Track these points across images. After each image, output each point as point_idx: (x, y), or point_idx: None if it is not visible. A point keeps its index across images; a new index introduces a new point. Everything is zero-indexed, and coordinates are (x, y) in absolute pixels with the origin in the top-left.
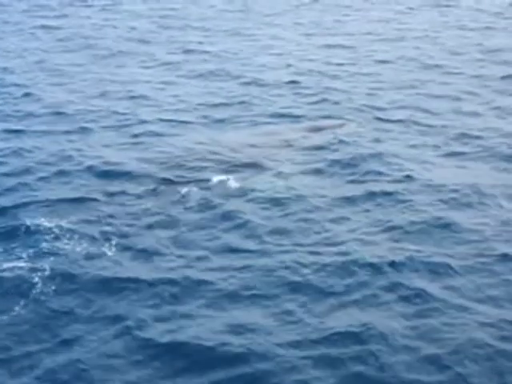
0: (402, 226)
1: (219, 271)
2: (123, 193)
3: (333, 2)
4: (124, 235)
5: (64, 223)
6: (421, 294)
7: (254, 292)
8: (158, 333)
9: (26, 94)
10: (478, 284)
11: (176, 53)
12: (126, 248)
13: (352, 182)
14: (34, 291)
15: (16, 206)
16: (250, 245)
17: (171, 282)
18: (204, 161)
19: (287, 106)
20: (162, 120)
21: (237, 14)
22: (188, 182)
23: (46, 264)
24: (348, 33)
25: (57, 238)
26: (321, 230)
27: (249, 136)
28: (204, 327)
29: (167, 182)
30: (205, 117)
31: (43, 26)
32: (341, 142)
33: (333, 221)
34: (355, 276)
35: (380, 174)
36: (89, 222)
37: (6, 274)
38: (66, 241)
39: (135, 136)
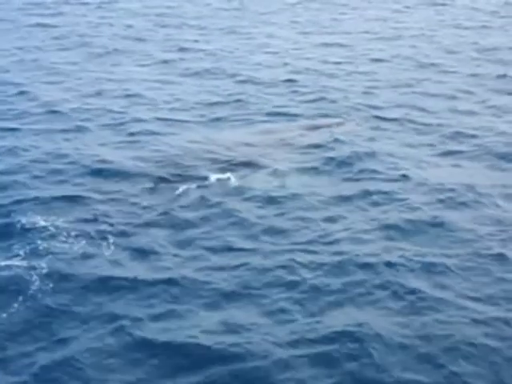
0: (397, 224)
1: (216, 270)
2: (119, 191)
3: (329, 1)
4: (120, 234)
5: (60, 222)
6: (416, 293)
7: (250, 291)
8: (154, 332)
9: (21, 93)
10: (473, 283)
11: (172, 51)
12: (123, 247)
13: (348, 180)
14: (30, 290)
15: (11, 205)
16: (247, 243)
17: (168, 280)
18: (200, 159)
19: (283, 105)
20: (158, 118)
21: (233, 13)
22: (184, 181)
23: (42, 262)
24: (344, 31)
25: (53, 236)
26: (317, 228)
27: (245, 134)
28: (200, 326)
29: (163, 180)
30: (201, 115)
31: (38, 24)
32: (337, 140)
33: (329, 219)
34: (351, 275)
35: (376, 172)
36: (85, 220)
37: (1, 273)
38: (62, 239)
39: (131, 134)
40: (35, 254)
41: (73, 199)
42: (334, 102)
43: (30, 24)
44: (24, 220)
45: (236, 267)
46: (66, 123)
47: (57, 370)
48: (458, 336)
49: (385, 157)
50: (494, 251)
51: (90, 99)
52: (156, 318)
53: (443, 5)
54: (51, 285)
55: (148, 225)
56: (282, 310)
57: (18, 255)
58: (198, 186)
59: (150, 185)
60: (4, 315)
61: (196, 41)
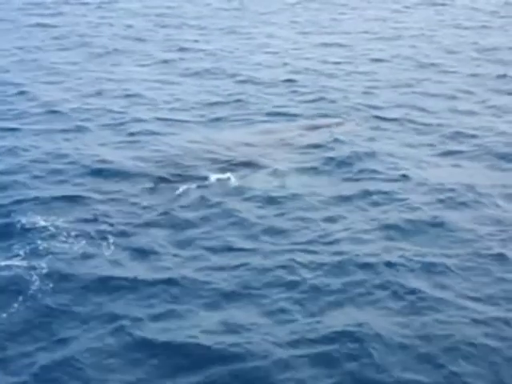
0: (397, 224)
1: (216, 270)
2: (119, 191)
3: (329, 1)
4: (120, 234)
5: (60, 222)
6: (416, 293)
7: (250, 291)
8: (154, 332)
9: (22, 92)
10: (473, 283)
11: (172, 51)
12: (123, 247)
13: (348, 180)
14: (30, 290)
15: (11, 205)
16: (247, 243)
17: (168, 280)
18: (200, 159)
19: (283, 105)
20: (158, 118)
21: (233, 13)
22: (184, 181)
23: (42, 262)
24: (344, 31)
25: (53, 236)
26: (317, 228)
27: (245, 134)
28: (200, 326)
29: (163, 180)
30: (201, 115)
31: (38, 24)
32: (337, 140)
33: (329, 219)
34: (351, 275)
35: (376, 172)
36: (85, 220)
37: (1, 273)
38: (62, 239)
39: (131, 134)
40: (35, 254)
41: (73, 199)
42: (333, 102)
43: (29, 24)
44: (24, 220)
45: (236, 267)
46: (66, 123)
47: (57, 369)
48: (457, 336)
49: (385, 157)
50: (494, 251)
51: (90, 99)
52: (156, 317)
53: (443, 5)
54: (51, 285)
55: (148, 225)
56: (282, 310)
57: (17, 255)
58: (198, 186)
59: (149, 185)
60: (4, 315)
61: (196, 41)
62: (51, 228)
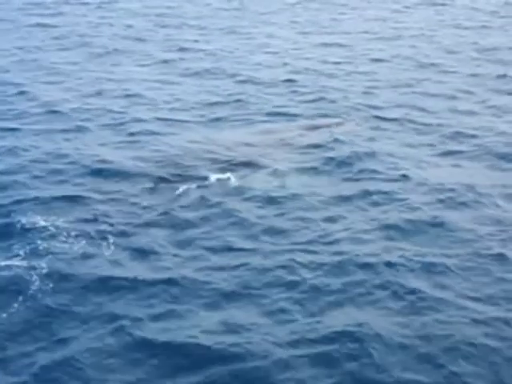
0: (397, 224)
1: (216, 270)
2: (119, 191)
3: (329, 1)
4: (120, 234)
5: (60, 222)
6: (416, 293)
7: (250, 291)
8: (154, 332)
9: (22, 92)
10: (473, 283)
11: (172, 51)
12: (123, 247)
13: (348, 180)
14: (30, 290)
15: (11, 205)
16: (247, 243)
17: (168, 280)
18: (200, 159)
19: (283, 105)
20: (158, 118)
21: (233, 13)
22: (184, 181)
23: (42, 262)
24: (344, 31)
25: (53, 236)
26: (317, 228)
27: (245, 134)
28: (200, 326)
29: (163, 180)
30: (201, 115)
31: (38, 24)
32: (337, 140)
33: (329, 219)
34: (351, 275)
35: (376, 172)
36: (85, 220)
37: (1, 273)
38: (62, 239)
39: (131, 134)
40: (35, 253)
41: (73, 199)
42: (333, 101)
43: (29, 24)
44: (24, 220)
45: (236, 267)
46: (66, 123)
47: (57, 369)
48: (457, 336)
49: (385, 157)
50: (494, 251)
51: (90, 99)
52: (156, 317)
53: (443, 5)
54: (51, 285)
55: (148, 225)
56: (282, 310)
57: (18, 255)
58: (198, 186)
59: (150, 185)
60: (4, 315)
61: (196, 41)
62: (51, 228)
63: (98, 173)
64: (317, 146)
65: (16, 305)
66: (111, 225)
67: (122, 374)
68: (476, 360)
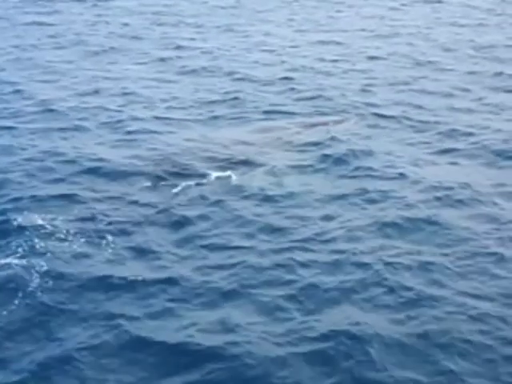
0: (394, 222)
1: (213, 268)
2: (117, 190)
3: None
4: (118, 232)
5: (57, 220)
6: (413, 291)
7: (248, 289)
8: (151, 330)
9: (18, 91)
10: (470, 281)
11: (168, 49)
12: (121, 245)
13: (345, 178)
14: (27, 288)
15: (8, 203)
16: (244, 241)
17: (166, 279)
18: (198, 158)
19: (280, 103)
20: (155, 117)
21: (229, 11)
22: (182, 180)
23: (40, 261)
24: (341, 29)
25: (50, 235)
26: (314, 226)
27: (242, 133)
28: (198, 325)
29: (161, 179)
30: (198, 113)
31: (34, 22)
32: (334, 138)
33: (326, 218)
34: (348, 273)
35: (373, 170)
36: (82, 219)
37: None
38: (59, 238)
39: (128, 133)
40: (32, 252)
41: (70, 198)
42: (330, 99)
43: (26, 22)
44: (21, 218)
45: (234, 265)
46: (63, 122)
47: (54, 368)
48: (454, 333)
49: (382, 155)
50: (491, 249)
51: (86, 98)
52: (153, 316)
53: (439, 2)
54: (49, 283)
55: (146, 223)
56: (280, 309)
57: (15, 254)
58: (196, 185)
59: (147, 183)
60: (1, 314)
61: (193, 39)
62: (48, 226)
63: (95, 171)
64: (314, 144)
65: (13, 303)
66: (109, 223)
67: (120, 372)
68: (473, 357)
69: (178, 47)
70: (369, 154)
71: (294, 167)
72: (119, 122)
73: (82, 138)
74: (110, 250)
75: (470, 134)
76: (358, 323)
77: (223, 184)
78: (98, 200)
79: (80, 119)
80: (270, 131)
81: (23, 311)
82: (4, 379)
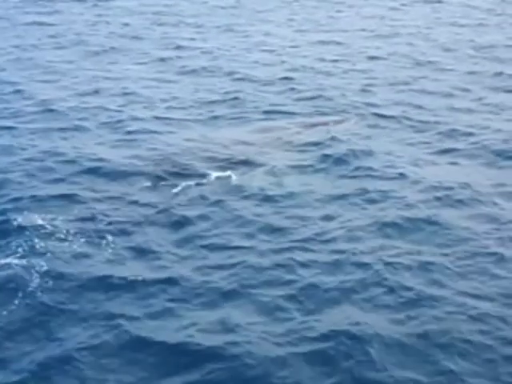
0: (394, 222)
1: (213, 268)
2: (117, 190)
3: None
4: (118, 232)
5: (57, 220)
6: (413, 291)
7: (248, 289)
8: (151, 330)
9: (18, 91)
10: (470, 281)
11: (169, 49)
12: (121, 245)
13: (345, 178)
14: (27, 288)
15: (8, 203)
16: (244, 242)
17: (166, 279)
18: (198, 158)
19: (281, 103)
20: (155, 117)
21: (229, 11)
22: (182, 180)
23: (40, 261)
24: (341, 29)
25: (50, 235)
26: (314, 226)
27: (243, 133)
28: (198, 325)
29: (161, 179)
30: (198, 113)
31: (35, 22)
32: (334, 138)
33: (326, 218)
34: (349, 273)
35: (373, 170)
36: (83, 219)
37: None
38: (59, 238)
39: (128, 133)
40: (33, 252)
41: (70, 198)
42: (330, 99)
43: (26, 22)
44: (21, 218)
45: (234, 265)
46: (63, 122)
47: (54, 368)
48: (454, 333)
49: (382, 155)
50: (491, 249)
51: (86, 97)
52: (153, 316)
53: (439, 2)
54: (49, 283)
55: (146, 223)
56: (280, 309)
57: (15, 254)
58: (196, 185)
59: (147, 183)
60: (1, 314)
61: (193, 39)
62: (48, 226)
63: (95, 171)
64: (314, 144)
65: (13, 303)
66: (109, 223)
67: (120, 372)
68: (473, 357)
69: (178, 47)
70: (369, 154)
71: (294, 167)
72: (119, 121)
73: (82, 138)
74: (110, 250)
75: (470, 134)
76: (358, 323)
77: (223, 184)
78: (98, 200)
79: (80, 119)
80: (270, 131)
81: (23, 311)
82: (4, 379)
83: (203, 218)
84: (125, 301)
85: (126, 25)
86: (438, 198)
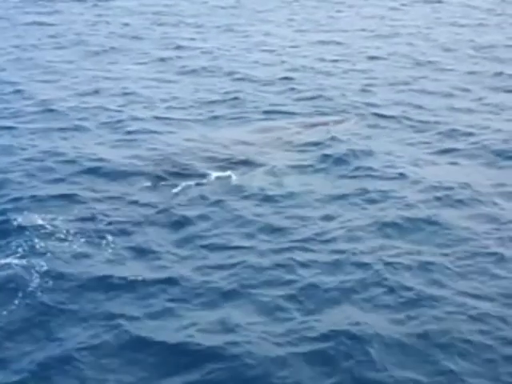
0: (394, 222)
1: (213, 268)
2: (117, 190)
3: None
4: (118, 232)
5: (57, 220)
6: (413, 291)
7: (248, 289)
8: (151, 330)
9: (18, 91)
10: (470, 281)
11: (169, 49)
12: (121, 245)
13: (345, 178)
14: (27, 288)
15: (8, 203)
16: (244, 242)
17: (165, 279)
18: (198, 158)
19: (281, 103)
20: (155, 117)
21: (229, 10)
22: (182, 180)
23: (40, 261)
24: (341, 29)
25: (50, 235)
26: (314, 226)
27: (243, 133)
28: (198, 325)
29: (161, 179)
30: (198, 113)
31: (35, 22)
32: (334, 138)
33: (326, 218)
34: (349, 273)
35: (373, 170)
36: (83, 219)
37: None
38: (59, 238)
39: (128, 133)
40: (33, 252)
41: (70, 198)
42: (331, 99)
43: (26, 22)
44: (21, 218)
45: (234, 265)
46: (63, 122)
47: (54, 368)
48: (455, 334)
49: (382, 155)
50: (491, 249)
51: (86, 97)
52: (154, 316)
53: (439, 2)
54: (49, 283)
55: (146, 223)
56: (280, 309)
57: (15, 254)
58: (196, 185)
59: (147, 183)
60: (2, 313)
61: (193, 39)
62: (48, 226)
63: (95, 171)
64: (314, 144)
65: (13, 303)
66: (109, 223)
67: (120, 372)
68: (473, 357)
69: (178, 47)
70: (369, 154)
71: (294, 167)
72: (119, 122)
73: (82, 138)
74: (109, 250)
75: (470, 134)
76: (358, 323)
77: (223, 184)
78: (98, 200)
79: (80, 119)
80: (270, 131)
81: (23, 311)
82: (4, 379)
83: (203, 217)
84: (125, 301)
85: (126, 25)
86: (438, 198)
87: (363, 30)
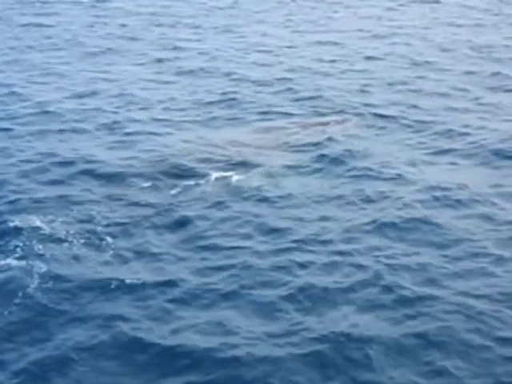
0: (392, 223)
1: (212, 270)
2: (115, 192)
3: None
4: (116, 234)
5: (55, 222)
6: (411, 292)
7: (246, 291)
8: (150, 332)
9: (15, 93)
10: (468, 281)
11: (166, 50)
12: (119, 247)
13: (343, 179)
14: (25, 290)
15: (5, 205)
16: (243, 243)
17: (164, 281)
18: (196, 159)
19: (278, 104)
20: (152, 118)
21: (227, 11)
22: (180, 181)
23: (38, 263)
24: (338, 29)
25: (48, 236)
26: (312, 227)
27: (240, 133)
28: (197, 327)
29: (159, 180)
30: (196, 114)
31: (32, 24)
32: (332, 138)
33: (324, 218)
34: (347, 274)
35: (370, 171)
36: (80, 220)
37: None
38: (57, 240)
39: (126, 134)
40: (31, 254)
41: (68, 199)
42: (328, 100)
43: (23, 23)
44: (19, 220)
45: (233, 266)
46: (60, 123)
47: (53, 369)
48: (454, 334)
49: (379, 155)
50: (489, 249)
51: (84, 99)
52: (152, 318)
53: (437, 2)
54: (47, 285)
55: (144, 225)
56: (279, 310)
57: (13, 255)
58: (195, 186)
59: (145, 185)
60: (0, 315)
61: (190, 40)
62: (47, 228)
63: (93, 173)
64: (312, 145)
65: (12, 305)
66: (107, 225)
67: (118, 374)
68: (472, 357)
69: (176, 48)
70: (366, 154)
71: (292, 168)
72: (117, 123)
73: (80, 140)
74: (108, 252)
75: (468, 134)
76: (356, 324)
77: (222, 185)
78: (97, 201)
79: (78, 121)
80: (268, 132)
81: (22, 312)
82: (3, 380)
83: (202, 218)
84: (123, 302)
85: (124, 26)
86: (436, 199)
87: (360, 30)
